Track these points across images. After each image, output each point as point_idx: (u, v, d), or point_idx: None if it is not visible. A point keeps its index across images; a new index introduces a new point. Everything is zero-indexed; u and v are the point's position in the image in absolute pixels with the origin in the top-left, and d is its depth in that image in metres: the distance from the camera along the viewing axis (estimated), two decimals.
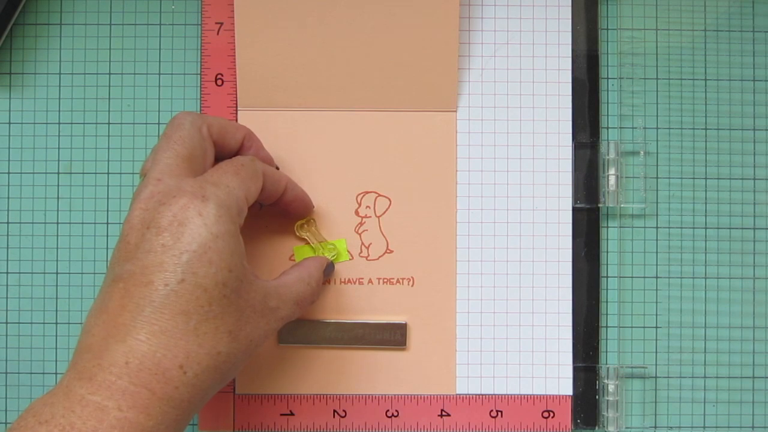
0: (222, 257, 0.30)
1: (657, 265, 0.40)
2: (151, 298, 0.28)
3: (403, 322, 0.39)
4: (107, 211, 0.40)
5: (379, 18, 0.39)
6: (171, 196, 0.30)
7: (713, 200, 0.41)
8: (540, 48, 0.40)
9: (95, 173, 0.40)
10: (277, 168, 0.39)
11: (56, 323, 0.40)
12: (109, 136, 0.40)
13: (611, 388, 0.39)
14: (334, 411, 0.39)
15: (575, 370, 0.40)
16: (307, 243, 0.39)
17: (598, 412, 0.40)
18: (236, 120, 0.40)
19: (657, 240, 0.40)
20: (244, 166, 0.33)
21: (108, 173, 0.40)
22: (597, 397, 0.40)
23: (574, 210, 0.40)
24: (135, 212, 0.30)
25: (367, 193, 0.40)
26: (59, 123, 0.40)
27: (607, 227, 0.40)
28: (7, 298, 0.40)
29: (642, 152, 0.40)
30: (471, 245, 0.40)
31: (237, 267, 0.30)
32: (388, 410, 0.39)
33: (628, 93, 0.41)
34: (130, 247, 0.30)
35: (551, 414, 0.39)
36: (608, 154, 0.40)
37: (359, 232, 0.40)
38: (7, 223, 0.40)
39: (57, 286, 0.40)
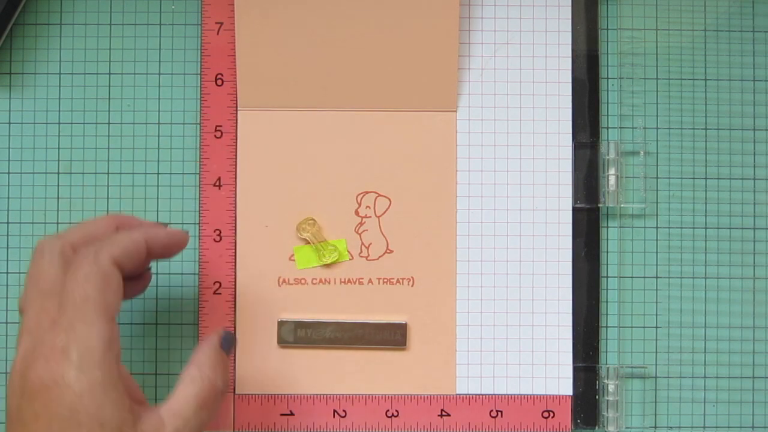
0: (91, 415, 0.28)
1: (657, 265, 0.40)
2: None
3: (403, 322, 0.39)
4: (107, 211, 0.40)
5: (379, 18, 0.39)
6: (35, 358, 0.28)
7: (713, 200, 0.41)
8: (540, 48, 0.40)
9: (95, 173, 0.40)
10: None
11: None
12: (109, 136, 0.40)
13: (611, 388, 0.39)
14: (334, 411, 0.39)
15: (575, 370, 0.40)
16: (308, 243, 0.39)
17: (598, 412, 0.40)
18: (236, 120, 0.39)
19: (657, 240, 0.40)
20: (90, 281, 0.29)
21: (108, 173, 0.40)
22: (597, 397, 0.40)
23: (574, 210, 0.40)
24: (14, 378, 0.29)
25: (367, 193, 0.40)
26: (59, 123, 0.40)
27: (607, 227, 0.40)
28: (7, 298, 0.40)
29: (642, 152, 0.40)
30: (471, 245, 0.40)
31: (111, 419, 0.28)
32: (388, 410, 0.39)
33: (628, 93, 0.41)
34: (12, 416, 0.29)
35: (551, 414, 0.39)
36: (608, 154, 0.40)
37: (359, 232, 0.40)
38: (7, 223, 0.40)
39: None
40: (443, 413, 0.39)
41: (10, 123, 0.40)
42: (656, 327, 0.40)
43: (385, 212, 0.40)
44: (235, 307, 0.39)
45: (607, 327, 0.40)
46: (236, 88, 0.39)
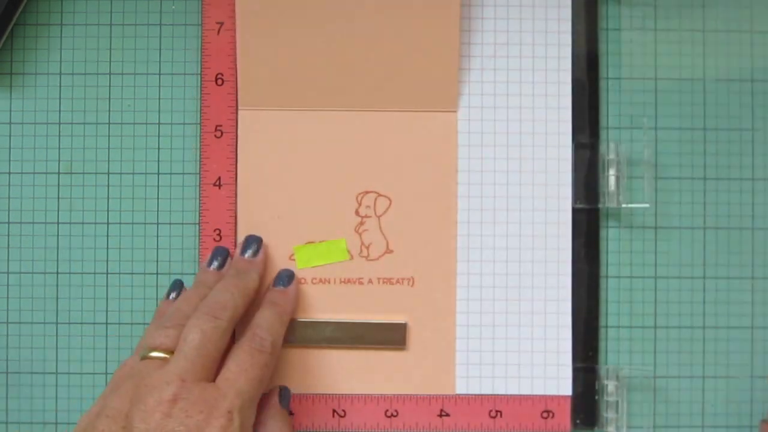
0: None
1: (657, 265, 0.40)
2: None
3: (403, 322, 0.39)
4: (107, 211, 0.40)
5: (379, 18, 0.39)
6: (198, 410, 0.29)
7: (713, 200, 0.41)
8: (540, 48, 0.40)
9: (95, 173, 0.40)
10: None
11: (56, 323, 0.40)
12: (109, 136, 0.40)
13: (611, 388, 0.39)
14: (334, 411, 0.39)
15: (575, 370, 0.40)
16: (307, 243, 0.39)
17: (597, 413, 0.40)
18: (236, 120, 0.39)
19: (657, 240, 0.40)
20: (257, 350, 0.33)
21: (108, 173, 0.40)
22: (596, 397, 0.40)
23: (574, 210, 0.40)
24: (155, 414, 0.29)
25: (367, 193, 0.40)
26: (59, 123, 0.40)
27: (607, 227, 0.40)
28: (7, 298, 0.40)
29: (642, 152, 0.40)
30: (471, 245, 0.40)
31: None
32: (387, 410, 0.39)
33: (628, 93, 0.41)
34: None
35: (551, 414, 0.40)
36: (608, 155, 0.40)
37: (359, 232, 0.40)
38: (8, 223, 0.40)
39: (57, 286, 0.40)
40: (443, 413, 0.39)
41: (10, 123, 0.40)
42: (656, 327, 0.40)
43: (385, 212, 0.40)
44: None
45: (606, 327, 0.40)
46: (236, 87, 0.39)
